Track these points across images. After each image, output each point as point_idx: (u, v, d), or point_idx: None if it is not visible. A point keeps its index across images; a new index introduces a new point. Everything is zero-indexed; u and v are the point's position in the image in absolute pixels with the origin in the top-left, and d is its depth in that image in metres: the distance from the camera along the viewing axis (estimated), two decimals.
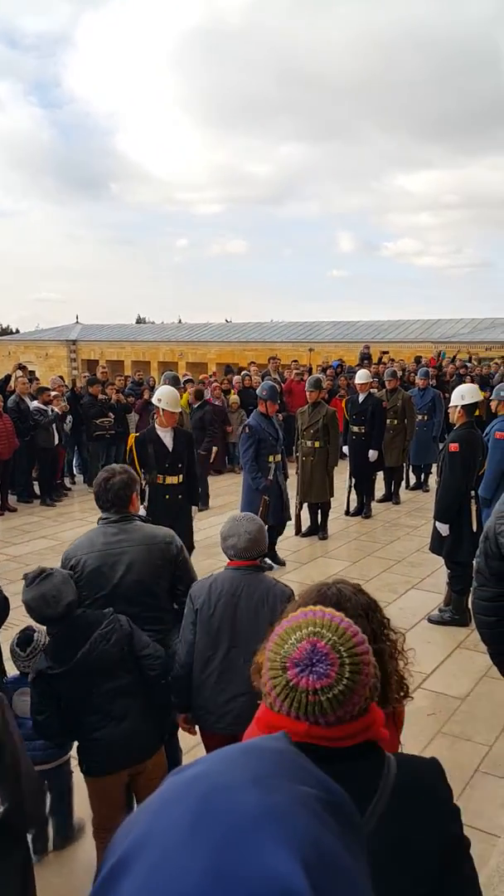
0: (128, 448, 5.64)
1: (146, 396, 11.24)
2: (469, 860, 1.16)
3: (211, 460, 11.15)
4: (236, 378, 12.91)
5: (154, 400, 5.67)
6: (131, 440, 5.65)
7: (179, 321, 38.80)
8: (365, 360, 15.51)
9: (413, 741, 3.80)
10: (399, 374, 10.40)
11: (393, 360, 16.44)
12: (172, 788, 0.55)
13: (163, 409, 5.48)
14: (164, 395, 5.56)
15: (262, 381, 12.50)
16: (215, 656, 2.62)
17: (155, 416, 5.70)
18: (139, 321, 56.07)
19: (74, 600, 2.58)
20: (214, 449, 11.09)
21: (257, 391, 7.06)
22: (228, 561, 2.77)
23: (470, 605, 5.17)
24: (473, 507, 5.17)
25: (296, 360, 15.97)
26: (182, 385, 9.65)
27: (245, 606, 2.62)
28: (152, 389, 11.84)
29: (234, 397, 11.64)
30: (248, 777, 0.55)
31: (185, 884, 0.45)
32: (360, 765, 1.08)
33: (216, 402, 11.47)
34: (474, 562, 2.07)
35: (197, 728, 2.81)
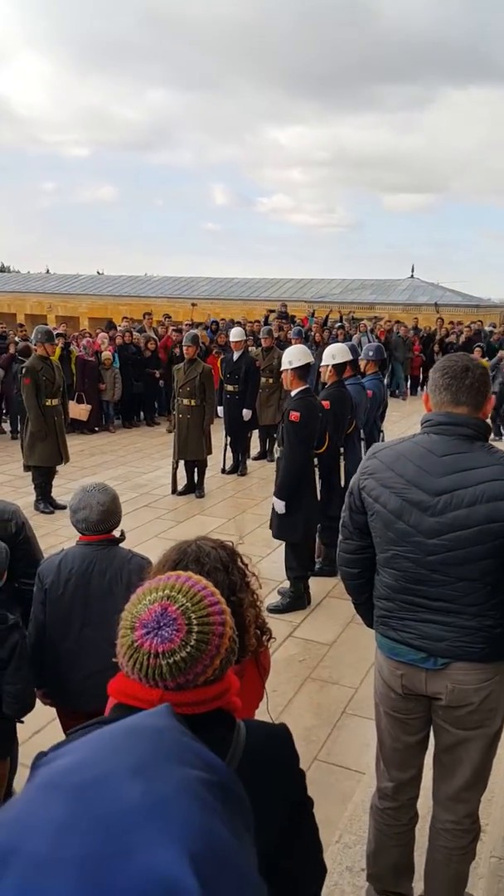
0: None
1: (11, 350, 10.64)
2: (310, 820, 1.21)
3: (85, 419, 10.83)
4: (102, 335, 12.51)
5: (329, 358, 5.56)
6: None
7: (48, 271, 36.66)
8: (283, 318, 15.66)
9: (286, 686, 3.96)
10: (275, 333, 10.51)
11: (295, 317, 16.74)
12: (43, 783, 0.50)
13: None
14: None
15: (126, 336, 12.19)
16: (68, 635, 2.52)
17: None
18: (2, 270, 52.40)
19: None
20: (89, 407, 10.79)
21: (364, 353, 6.59)
22: (79, 536, 2.62)
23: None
24: (342, 464, 5.36)
25: (169, 316, 15.74)
26: (56, 340, 9.19)
27: (97, 584, 2.50)
28: (21, 342, 11.21)
29: (106, 354, 11.28)
30: (127, 765, 0.51)
31: (62, 890, 0.41)
32: (212, 733, 1.10)
33: (89, 359, 11.08)
34: (341, 515, 2.14)
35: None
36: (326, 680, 4.10)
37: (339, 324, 15.54)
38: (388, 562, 1.99)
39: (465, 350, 13.05)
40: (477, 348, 13.19)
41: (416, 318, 18.27)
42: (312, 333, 13.30)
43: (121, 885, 0.42)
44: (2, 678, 2.34)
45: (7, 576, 2.69)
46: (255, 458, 9.42)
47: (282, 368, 5.04)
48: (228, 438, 8.76)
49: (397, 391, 15.29)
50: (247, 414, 8.58)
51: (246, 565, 1.63)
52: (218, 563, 1.53)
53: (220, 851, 0.48)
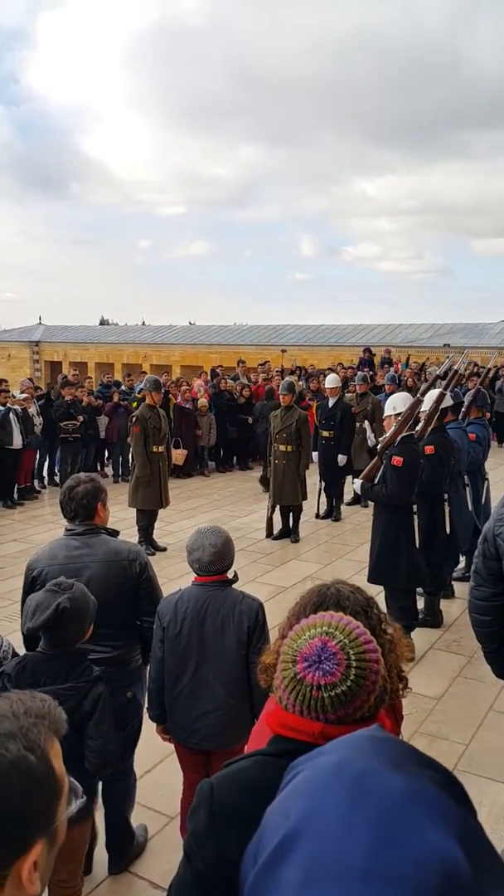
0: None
1: (116, 399, 11.15)
2: None
3: (181, 463, 11.13)
4: (198, 382, 12.90)
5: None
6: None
7: (143, 323, 38.51)
8: (385, 363, 15.82)
9: None
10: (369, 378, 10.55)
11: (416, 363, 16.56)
12: (318, 774, 0.59)
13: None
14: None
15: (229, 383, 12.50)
16: (184, 674, 2.62)
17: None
18: (103, 323, 55.37)
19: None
20: (185, 451, 11.10)
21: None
22: (195, 576, 2.73)
23: (440, 608, 5.29)
24: (447, 510, 5.25)
25: (268, 361, 16.03)
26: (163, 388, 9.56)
27: (211, 624, 2.61)
28: (127, 392, 11.76)
29: (202, 401, 11.64)
30: (384, 762, 0.59)
31: (354, 856, 0.48)
32: None
33: (186, 406, 11.45)
34: (473, 561, 2.12)
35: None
36: (435, 735, 3.96)
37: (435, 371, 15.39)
38: None
39: None
40: None
41: None
42: (405, 379, 13.23)
43: (407, 851, 0.50)
44: (84, 732, 2.23)
45: (128, 613, 2.81)
46: (349, 504, 9.37)
47: (385, 414, 5.02)
48: (323, 483, 8.78)
49: None
50: (342, 459, 8.59)
51: (382, 612, 1.63)
52: (358, 607, 1.53)
53: (475, 835, 0.56)
